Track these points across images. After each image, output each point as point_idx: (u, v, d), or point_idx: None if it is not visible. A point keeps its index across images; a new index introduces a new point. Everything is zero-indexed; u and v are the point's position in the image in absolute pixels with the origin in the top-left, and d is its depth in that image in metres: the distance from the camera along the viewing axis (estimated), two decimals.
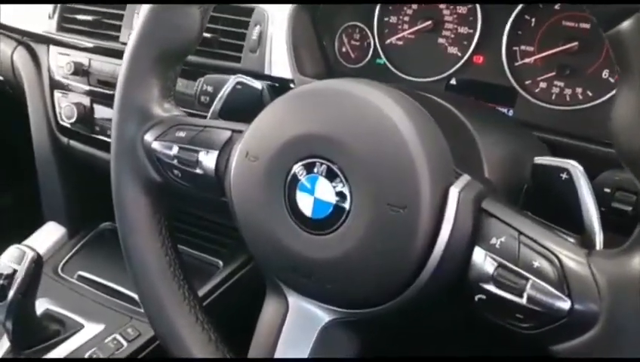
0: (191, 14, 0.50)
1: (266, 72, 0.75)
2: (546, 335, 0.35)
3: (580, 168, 0.40)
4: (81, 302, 0.95)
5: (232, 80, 0.55)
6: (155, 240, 0.55)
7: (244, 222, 0.46)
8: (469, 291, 0.38)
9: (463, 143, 0.48)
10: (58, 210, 1.09)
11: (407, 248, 0.38)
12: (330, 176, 0.41)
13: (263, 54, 0.75)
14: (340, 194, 0.40)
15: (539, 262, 0.35)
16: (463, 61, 0.68)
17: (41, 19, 0.97)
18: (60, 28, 0.95)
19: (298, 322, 0.47)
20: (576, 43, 0.60)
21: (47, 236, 1.09)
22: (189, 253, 1.00)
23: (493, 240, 0.37)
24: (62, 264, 1.04)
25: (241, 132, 0.48)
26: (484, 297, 0.37)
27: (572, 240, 0.40)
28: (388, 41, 0.74)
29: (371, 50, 0.75)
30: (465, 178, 0.40)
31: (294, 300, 0.47)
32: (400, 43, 0.73)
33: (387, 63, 0.74)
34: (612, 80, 0.59)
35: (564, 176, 0.40)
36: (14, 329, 0.78)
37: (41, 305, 0.93)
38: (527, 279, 0.35)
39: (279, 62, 0.75)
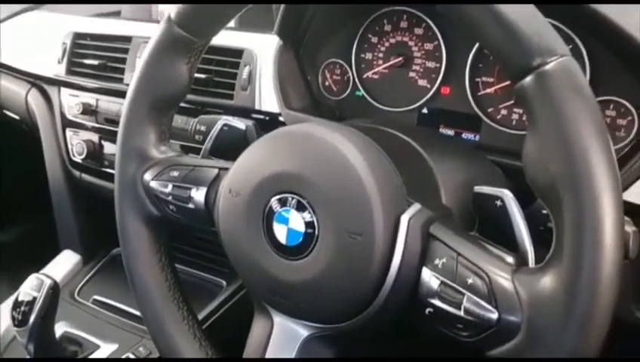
0: (179, 68, 0.57)
1: (257, 107, 0.83)
2: (482, 342, 0.41)
3: (511, 196, 0.46)
4: (96, 324, 1.02)
5: (219, 122, 0.62)
6: (156, 267, 0.62)
7: (231, 250, 0.53)
8: (420, 306, 0.44)
9: (420, 173, 0.54)
10: (73, 239, 1.16)
11: (365, 271, 0.45)
12: (300, 208, 0.47)
13: (253, 91, 0.83)
14: (309, 224, 0.47)
15: (472, 279, 0.41)
16: (431, 92, 0.75)
17: (51, 63, 1.06)
18: (69, 71, 1.03)
19: (282, 337, 0.53)
20: None
21: (64, 263, 1.17)
22: (195, 274, 1.07)
23: (437, 261, 0.43)
24: (78, 289, 1.12)
25: (227, 169, 0.54)
26: (432, 310, 0.43)
27: (510, 258, 0.46)
28: (365, 75, 0.80)
29: (351, 83, 0.82)
30: (415, 206, 0.46)
31: (277, 318, 0.53)
32: (376, 77, 0.80)
33: (365, 95, 0.81)
34: None
35: (498, 203, 0.46)
36: (36, 350, 0.85)
37: (60, 328, 1.00)
38: (463, 294, 0.41)
39: (268, 98, 0.82)
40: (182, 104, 0.90)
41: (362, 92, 0.81)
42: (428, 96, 0.75)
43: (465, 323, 0.41)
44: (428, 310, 0.44)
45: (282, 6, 0.74)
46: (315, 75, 0.85)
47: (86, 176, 1.07)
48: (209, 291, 1.04)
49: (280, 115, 0.81)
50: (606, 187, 0.36)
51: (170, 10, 0.56)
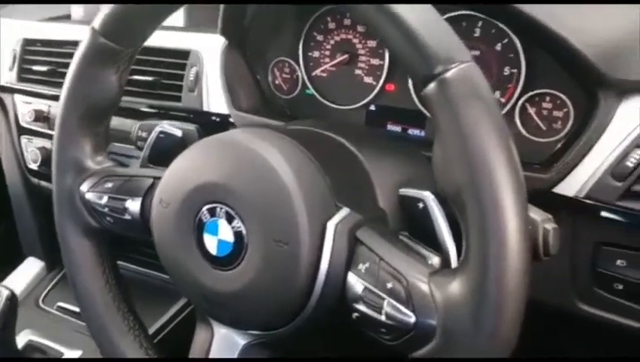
0: (108, 78, 0.56)
1: (205, 108, 0.82)
2: (403, 345, 0.41)
3: (432, 198, 0.46)
4: (60, 331, 1.02)
5: (155, 129, 0.62)
6: (99, 279, 0.61)
7: (166, 262, 0.53)
8: (347, 311, 0.44)
9: (354, 175, 0.54)
10: (35, 246, 1.15)
11: (293, 279, 0.45)
12: (229, 218, 0.47)
13: (200, 93, 0.82)
14: (238, 234, 0.47)
15: (392, 284, 0.41)
16: (377, 89, 0.75)
17: (4, 71, 1.04)
18: (20, 78, 1.01)
19: (222, 346, 0.53)
20: None
21: (28, 271, 1.16)
22: (159, 277, 1.07)
23: (360, 266, 0.43)
24: (42, 296, 1.11)
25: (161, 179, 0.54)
26: (358, 315, 0.44)
27: (436, 259, 0.46)
28: (314, 73, 0.80)
29: (300, 82, 0.81)
30: (344, 211, 0.46)
31: (217, 327, 0.53)
32: (324, 75, 0.79)
33: (315, 94, 0.80)
34: (503, 100, 0.65)
35: (420, 205, 0.46)
36: None
37: (24, 337, 1.00)
38: (383, 299, 0.41)
39: (216, 99, 0.81)
40: (131, 108, 0.90)
41: (312, 90, 0.81)
42: (374, 93, 0.75)
43: (387, 327, 0.42)
44: (355, 315, 0.44)
45: (222, 5, 0.73)
46: (265, 73, 0.84)
47: (43, 183, 1.06)
48: (174, 294, 1.03)
49: (229, 116, 0.80)
50: (508, 193, 0.36)
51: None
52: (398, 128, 0.75)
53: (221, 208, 0.47)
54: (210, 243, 0.48)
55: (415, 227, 0.49)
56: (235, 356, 0.52)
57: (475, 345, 0.37)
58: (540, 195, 0.58)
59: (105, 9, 0.54)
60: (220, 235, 0.48)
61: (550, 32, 0.54)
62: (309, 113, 0.81)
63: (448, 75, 0.37)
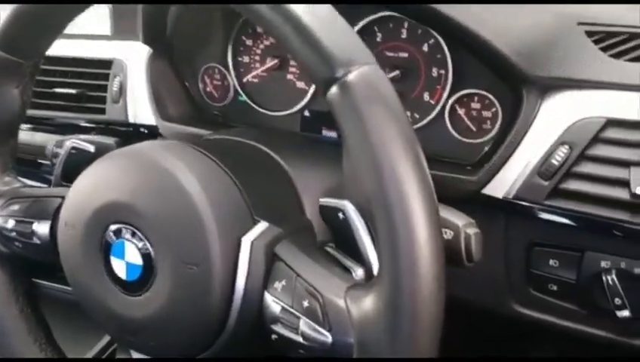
0: (9, 94, 0.52)
1: (131, 120, 0.78)
2: None
3: (353, 207, 0.44)
4: None
5: (66, 145, 0.58)
6: (13, 308, 0.57)
7: (76, 288, 0.49)
8: (266, 332, 0.42)
9: (277, 186, 0.51)
10: None
11: (207, 302, 0.42)
12: (136, 239, 0.44)
13: (125, 104, 0.78)
14: (147, 257, 0.43)
15: (308, 301, 0.39)
16: (310, 94, 0.72)
17: None
18: None
19: None
20: (397, 72, 0.64)
21: None
22: None
23: (276, 284, 0.41)
24: None
25: None
26: (277, 337, 0.41)
27: (360, 271, 0.44)
28: (245, 79, 0.77)
29: (232, 88, 0.78)
30: (261, 226, 0.44)
31: (135, 356, 0.50)
32: (256, 80, 0.77)
33: (248, 100, 0.77)
34: (432, 101, 0.64)
35: (341, 215, 0.44)
36: None
37: None
38: (299, 318, 0.39)
39: (143, 110, 0.77)
40: (57, 123, 0.85)
41: (244, 97, 0.78)
42: (307, 98, 0.73)
43: (305, 348, 0.39)
44: (274, 336, 0.41)
45: (140, 12, 0.69)
46: (194, 81, 0.81)
47: None
48: None
49: (157, 127, 0.76)
50: (417, 203, 0.34)
51: None
52: (333, 134, 0.73)
53: (127, 229, 0.44)
54: (119, 267, 0.45)
55: (341, 239, 0.47)
56: None
57: (392, 359, 0.35)
58: (470, 197, 0.57)
59: None
60: (127, 258, 0.44)
61: (469, 32, 0.53)
62: (243, 121, 0.78)
63: (350, 77, 0.35)
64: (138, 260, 0.44)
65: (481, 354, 0.74)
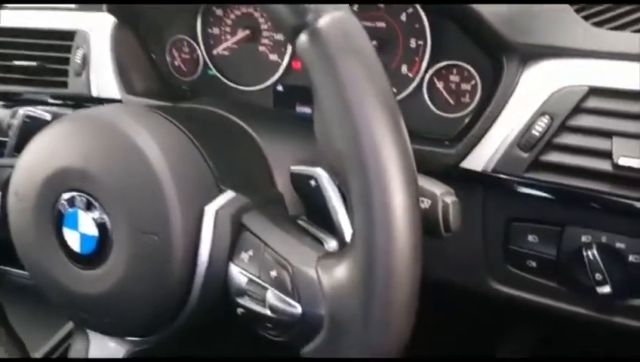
0: None
1: (94, 94, 0.74)
2: (292, 340, 0.36)
3: (325, 175, 0.41)
4: None
5: (19, 113, 0.54)
6: None
7: (27, 263, 0.45)
8: (232, 306, 0.39)
9: (246, 156, 0.48)
10: None
11: (167, 274, 0.39)
12: (90, 208, 0.40)
13: (88, 77, 0.73)
14: (102, 227, 0.40)
15: (276, 272, 0.36)
16: (283, 68, 0.69)
17: None
18: None
19: (101, 354, 0.47)
20: (375, 42, 0.62)
21: None
22: None
23: (243, 255, 0.38)
24: None
25: None
26: (243, 311, 0.38)
27: (333, 242, 0.42)
28: (215, 52, 0.74)
29: (201, 62, 0.75)
30: (228, 195, 0.41)
31: (92, 335, 0.46)
32: (227, 53, 0.73)
33: (218, 74, 0.74)
34: (411, 74, 0.62)
35: (313, 183, 0.41)
36: None
37: None
38: (266, 289, 0.36)
39: (106, 84, 0.73)
40: (15, 98, 0.81)
41: (214, 71, 0.74)
42: (280, 71, 0.70)
43: (272, 321, 0.37)
44: (240, 310, 0.39)
45: None
46: (162, 54, 0.77)
47: None
48: None
49: (121, 101, 0.72)
50: (394, 162, 0.31)
51: None
52: (308, 110, 0.70)
53: (81, 197, 0.40)
54: (72, 239, 0.41)
55: (313, 209, 0.45)
56: None
57: (365, 334, 0.32)
58: (449, 171, 0.55)
59: None
60: (81, 229, 0.41)
61: None
62: (213, 96, 0.75)
63: (320, 23, 0.32)
64: (93, 231, 0.40)
65: (458, 332, 0.72)
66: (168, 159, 0.39)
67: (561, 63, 0.51)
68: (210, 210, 0.39)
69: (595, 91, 0.49)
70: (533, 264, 0.54)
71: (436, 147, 0.56)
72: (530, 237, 0.54)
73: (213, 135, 0.46)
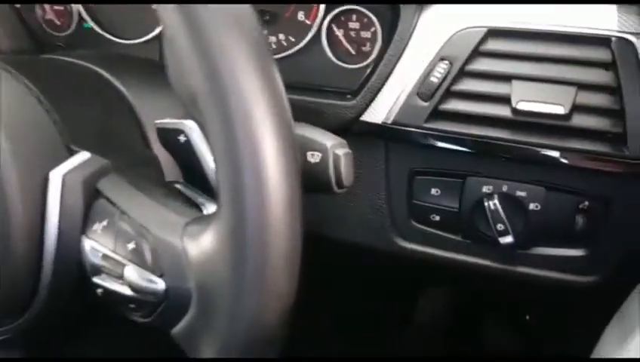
0: None
1: None
2: (160, 321, 0.31)
3: (196, 129, 0.36)
4: None
5: None
6: None
7: None
8: (90, 286, 0.33)
9: (110, 113, 0.42)
10: None
11: (10, 253, 0.32)
12: None
13: None
14: None
15: (135, 244, 0.31)
16: None
17: None
18: None
19: None
20: None
21: None
22: None
23: (96, 226, 0.32)
24: None
25: None
26: (102, 291, 0.33)
27: (213, 207, 0.37)
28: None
29: (76, 13, 0.66)
30: (80, 157, 0.34)
31: None
32: (105, 3, 0.65)
33: (95, 27, 0.65)
34: (308, 21, 0.57)
35: (182, 138, 0.36)
36: None
37: None
38: (124, 264, 0.31)
39: None
40: None
41: (91, 23, 0.65)
42: None
43: (134, 301, 0.31)
44: (99, 291, 0.33)
45: None
46: (31, 7, 0.67)
47: None
48: None
49: None
50: (259, 100, 0.26)
51: None
52: None
53: None
54: None
55: (188, 170, 0.39)
56: None
57: (238, 301, 0.28)
58: (349, 125, 0.51)
59: None
60: None
61: None
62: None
63: None
64: None
65: (368, 292, 0.70)
66: (2, 118, 0.32)
67: (458, 6, 0.48)
68: (55, 176, 0.33)
69: (493, 32, 0.46)
70: (437, 218, 0.52)
71: (336, 100, 0.52)
72: (433, 191, 0.52)
73: (67, 89, 0.40)
